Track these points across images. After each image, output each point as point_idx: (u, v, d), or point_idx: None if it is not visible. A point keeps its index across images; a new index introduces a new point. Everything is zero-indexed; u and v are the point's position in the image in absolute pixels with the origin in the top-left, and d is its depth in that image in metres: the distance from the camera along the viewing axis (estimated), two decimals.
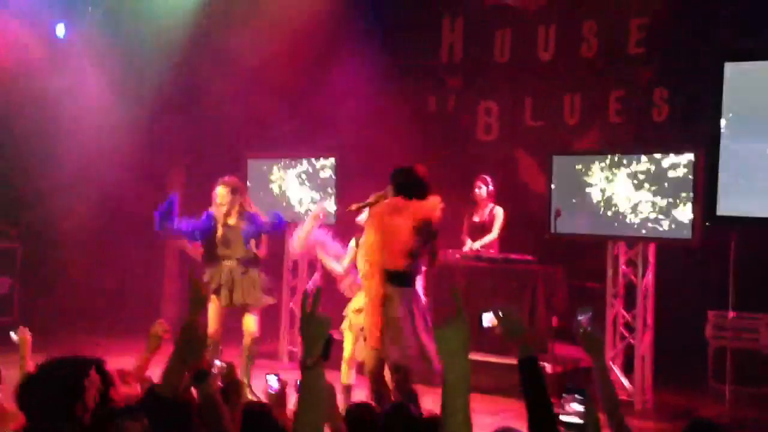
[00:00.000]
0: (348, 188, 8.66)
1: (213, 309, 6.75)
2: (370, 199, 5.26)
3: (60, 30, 10.21)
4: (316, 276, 8.58)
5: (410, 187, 5.07)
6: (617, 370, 7.11)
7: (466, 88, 9.85)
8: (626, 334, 7.22)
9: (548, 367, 6.96)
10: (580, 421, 2.85)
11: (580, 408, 2.86)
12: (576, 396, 2.88)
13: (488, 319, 3.38)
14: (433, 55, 9.97)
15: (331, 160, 8.63)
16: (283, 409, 3.57)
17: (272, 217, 6.91)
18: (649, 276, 7.16)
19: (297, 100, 9.83)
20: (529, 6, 9.36)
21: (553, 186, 7.51)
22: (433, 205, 5.05)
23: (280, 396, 3.61)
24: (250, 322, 6.83)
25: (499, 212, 8.28)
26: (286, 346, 8.77)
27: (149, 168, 10.12)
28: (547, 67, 9.26)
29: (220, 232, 6.86)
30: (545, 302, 7.67)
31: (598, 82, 8.94)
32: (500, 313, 3.09)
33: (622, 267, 7.27)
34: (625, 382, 7.08)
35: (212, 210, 6.89)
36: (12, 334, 4.20)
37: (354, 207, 5.42)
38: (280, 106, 9.69)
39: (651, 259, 7.16)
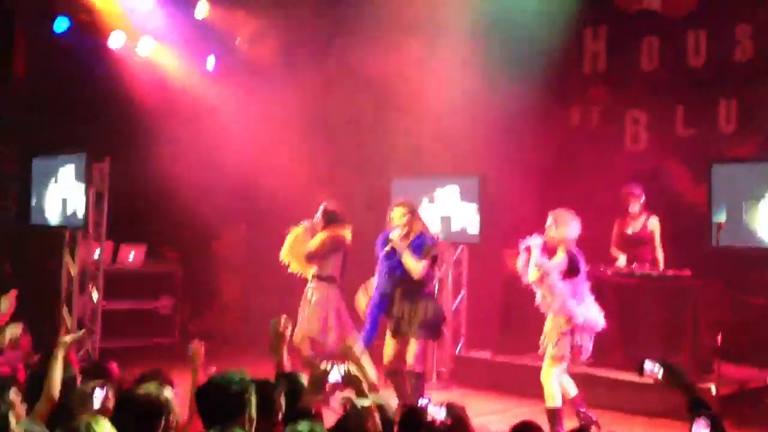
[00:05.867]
0: (493, 207, 8.58)
1: None
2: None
3: (210, 62, 10.68)
4: None
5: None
6: None
7: (611, 98, 9.58)
8: None
9: (713, 389, 6.63)
10: None
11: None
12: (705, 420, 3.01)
13: (649, 369, 3.36)
14: (576, 66, 9.76)
15: (476, 180, 8.55)
16: None
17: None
18: None
19: (439, 121, 9.77)
20: (678, 11, 9.02)
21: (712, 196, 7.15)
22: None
23: None
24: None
25: (655, 223, 7.92)
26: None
27: (299, 190, 10.34)
28: (699, 73, 8.89)
29: None
30: (707, 319, 7.32)
31: (755, 86, 8.51)
32: (663, 366, 3.21)
33: None
34: None
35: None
36: (189, 347, 4.46)
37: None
38: (424, 129, 9.71)
39: None
